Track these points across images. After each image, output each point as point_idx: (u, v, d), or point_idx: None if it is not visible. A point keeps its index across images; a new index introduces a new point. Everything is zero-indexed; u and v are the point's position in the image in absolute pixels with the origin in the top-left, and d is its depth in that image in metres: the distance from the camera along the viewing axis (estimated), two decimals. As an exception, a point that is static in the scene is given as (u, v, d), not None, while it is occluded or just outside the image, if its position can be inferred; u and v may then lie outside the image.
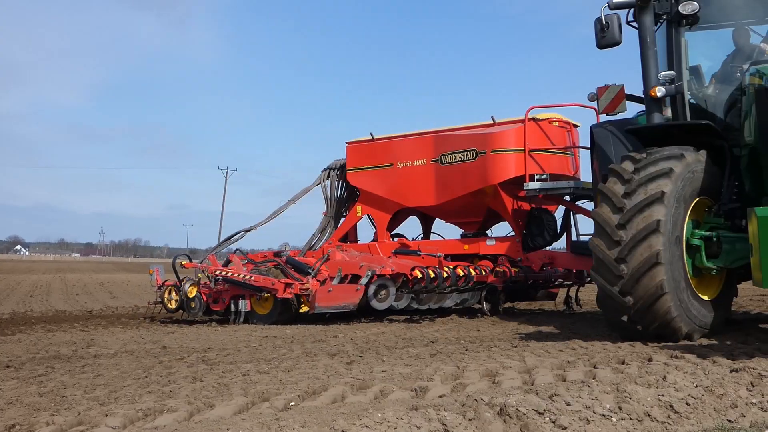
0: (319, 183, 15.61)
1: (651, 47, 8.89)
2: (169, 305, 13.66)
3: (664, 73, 8.86)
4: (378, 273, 11.89)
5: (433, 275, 12.18)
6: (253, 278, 12.48)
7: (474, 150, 13.25)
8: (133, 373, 6.67)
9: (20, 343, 9.91)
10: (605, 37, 8.83)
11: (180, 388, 5.68)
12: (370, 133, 15.00)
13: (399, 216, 15.56)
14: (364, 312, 13.02)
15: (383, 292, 11.99)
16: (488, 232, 14.68)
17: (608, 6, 8.87)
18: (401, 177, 14.33)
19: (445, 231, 15.47)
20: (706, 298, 8.24)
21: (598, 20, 8.83)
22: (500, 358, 6.95)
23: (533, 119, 13.13)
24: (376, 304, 11.96)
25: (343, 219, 15.53)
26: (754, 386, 5.06)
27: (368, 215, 15.12)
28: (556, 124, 13.50)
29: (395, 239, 14.88)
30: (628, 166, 8.15)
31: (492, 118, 13.60)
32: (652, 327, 7.76)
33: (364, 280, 11.83)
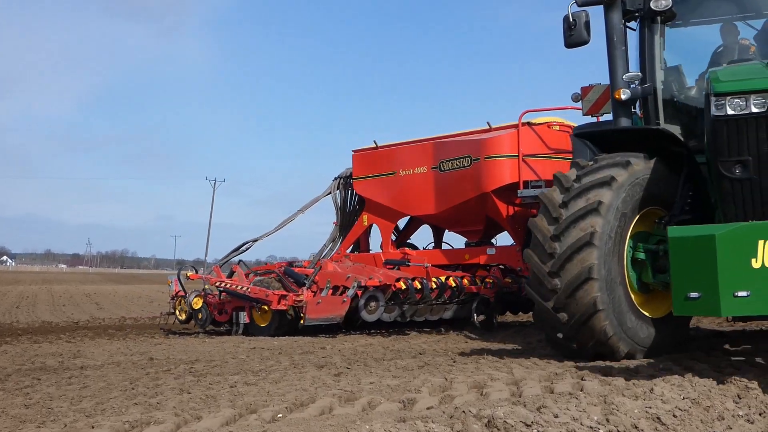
0: (329, 192, 15.49)
1: (618, 46, 8.40)
2: (180, 317, 13.65)
3: (629, 75, 8.38)
4: (363, 284, 11.83)
5: (419, 287, 12.09)
6: (249, 290, 12.46)
7: (468, 157, 12.94)
8: (120, 385, 6.64)
9: (6, 354, 9.85)
10: (572, 35, 8.36)
11: (167, 400, 5.66)
12: (374, 141, 14.85)
13: (412, 225, 15.46)
14: (364, 325, 12.89)
15: (372, 303, 11.95)
16: (493, 240, 14.33)
17: (576, 3, 8.44)
18: (403, 185, 14.06)
19: (456, 240, 15.23)
20: (653, 315, 7.71)
21: (566, 18, 8.39)
22: (488, 369, 6.95)
23: (528, 124, 12.71)
24: (365, 315, 11.91)
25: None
26: (740, 398, 5.08)
27: (375, 224, 14.90)
28: (557, 128, 12.96)
29: (407, 248, 14.68)
30: (571, 173, 7.78)
31: (488, 123, 13.34)
32: (588, 345, 7.36)
33: (350, 292, 11.77)
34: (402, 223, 15.36)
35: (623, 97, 8.27)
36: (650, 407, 4.53)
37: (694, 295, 5.40)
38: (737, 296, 5.23)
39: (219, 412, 4.98)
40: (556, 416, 4.22)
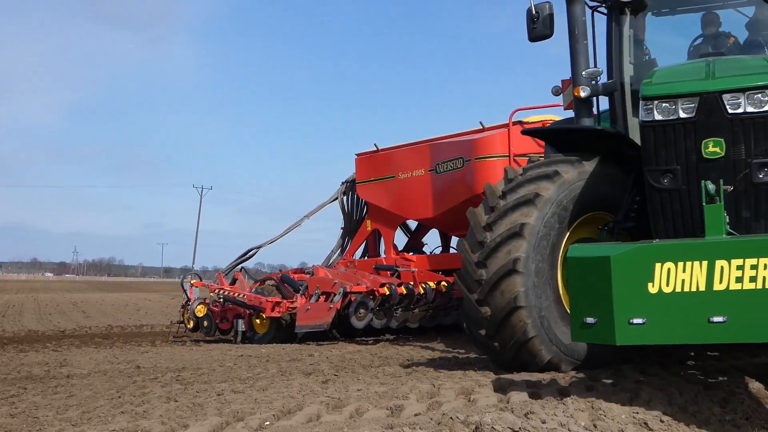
0: (336, 198, 15.39)
1: (580, 40, 7.82)
2: (188, 325, 13.63)
3: (588, 71, 7.78)
4: (348, 290, 11.78)
5: (404, 292, 12.03)
6: (245, 297, 12.45)
7: (461, 158, 12.76)
8: (107, 394, 6.61)
9: (-9, 363, 9.80)
10: (535, 28, 7.85)
11: (154, 408, 5.63)
12: (374, 144, 14.76)
13: (421, 229, 15.34)
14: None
15: (362, 310, 11.91)
16: None
17: None
18: (402, 189, 13.89)
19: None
20: None
21: (529, 10, 7.90)
22: (476, 376, 6.95)
23: (520, 122, 12.41)
24: (355, 322, 11.87)
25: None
26: (727, 403, 5.10)
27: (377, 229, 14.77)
28: None
29: (407, 253, 14.55)
30: (521, 169, 7.52)
31: (480, 123, 13.19)
32: (509, 345, 6.94)
33: (336, 298, 11.73)
34: (414, 226, 15.30)
35: (582, 94, 7.80)
36: (637, 412, 4.54)
37: (590, 320, 4.99)
38: (633, 323, 4.79)
39: (206, 420, 4.96)
40: (544, 422, 4.23)
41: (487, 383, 6.34)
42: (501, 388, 6.09)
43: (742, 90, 6.08)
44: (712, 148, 6.20)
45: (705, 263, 4.66)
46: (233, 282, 13.60)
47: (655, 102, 6.32)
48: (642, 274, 4.78)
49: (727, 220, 5.50)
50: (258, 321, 12.56)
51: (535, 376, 6.66)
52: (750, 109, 6.06)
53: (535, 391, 5.81)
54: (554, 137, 8.38)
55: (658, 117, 6.32)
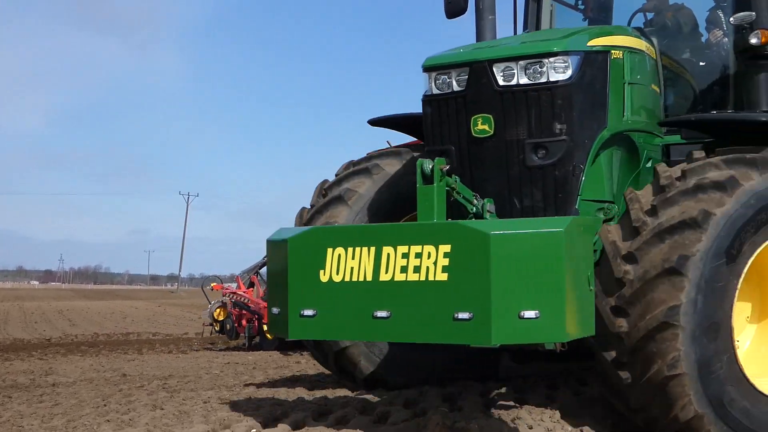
0: None
1: (485, 15, 6.85)
2: (215, 327, 13.60)
3: None
4: None
5: None
6: (249, 301, 12.44)
7: None
8: (92, 402, 6.58)
9: (-24, 372, 9.74)
10: (450, 3, 6.94)
11: (140, 417, 5.61)
12: (387, 142, 14.66)
13: None
14: None
15: None
16: None
17: None
18: None
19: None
20: None
21: None
22: (462, 381, 6.95)
23: None
24: None
25: None
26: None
27: None
28: None
29: None
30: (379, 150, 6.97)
31: None
32: None
33: None
34: None
35: None
36: (623, 417, 4.55)
37: (275, 310, 4.54)
38: (303, 315, 4.31)
39: (192, 427, 4.95)
40: (531, 427, 4.25)
41: (473, 389, 6.35)
42: (487, 393, 6.11)
43: (514, 58, 5.26)
44: (481, 125, 5.37)
45: (373, 250, 4.15)
46: (250, 285, 13.56)
47: (434, 74, 5.60)
48: (315, 261, 4.31)
49: (488, 208, 5.06)
50: (266, 326, 12.53)
51: (522, 381, 6.67)
52: (524, 81, 5.23)
53: (522, 396, 5.82)
54: (401, 126, 7.54)
55: (435, 91, 5.60)
